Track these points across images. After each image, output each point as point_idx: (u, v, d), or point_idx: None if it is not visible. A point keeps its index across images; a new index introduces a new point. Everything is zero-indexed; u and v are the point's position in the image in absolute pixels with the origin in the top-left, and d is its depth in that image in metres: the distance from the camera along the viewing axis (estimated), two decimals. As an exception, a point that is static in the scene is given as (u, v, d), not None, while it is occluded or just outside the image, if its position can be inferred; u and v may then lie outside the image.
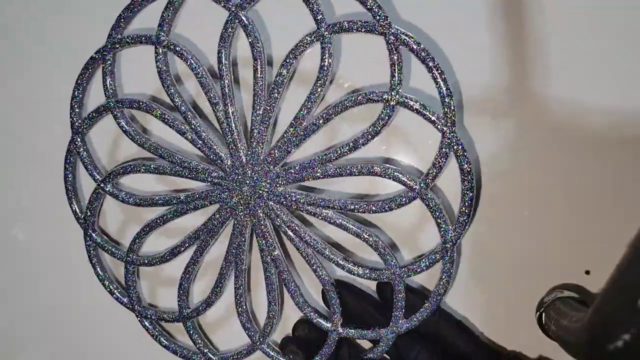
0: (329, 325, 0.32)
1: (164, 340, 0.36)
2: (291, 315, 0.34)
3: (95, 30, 0.34)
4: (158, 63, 0.32)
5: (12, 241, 0.40)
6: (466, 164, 0.28)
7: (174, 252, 0.34)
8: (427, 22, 0.29)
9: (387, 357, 0.33)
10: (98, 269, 0.36)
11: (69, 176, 0.35)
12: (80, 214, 0.36)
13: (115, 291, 0.36)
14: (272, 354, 0.34)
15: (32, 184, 0.39)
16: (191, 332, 0.35)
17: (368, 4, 0.28)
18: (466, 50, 0.29)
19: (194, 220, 0.34)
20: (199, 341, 0.35)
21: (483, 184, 0.30)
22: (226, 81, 0.31)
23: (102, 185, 0.35)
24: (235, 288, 0.34)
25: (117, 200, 0.35)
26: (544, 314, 0.27)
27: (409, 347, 0.32)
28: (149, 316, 0.36)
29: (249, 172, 0.32)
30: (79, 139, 0.35)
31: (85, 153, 0.35)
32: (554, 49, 0.27)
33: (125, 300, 0.36)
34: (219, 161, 0.32)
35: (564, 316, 0.24)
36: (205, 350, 0.35)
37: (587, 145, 0.27)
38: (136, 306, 0.36)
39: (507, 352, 0.31)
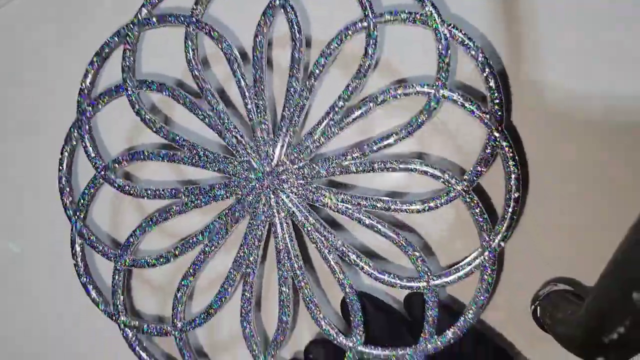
0: (348, 342, 0.29)
1: (147, 357, 0.31)
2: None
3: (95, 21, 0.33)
4: (188, 44, 0.30)
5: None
6: (513, 164, 0.27)
7: (175, 253, 0.31)
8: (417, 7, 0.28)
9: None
10: (82, 271, 0.32)
11: (65, 160, 0.32)
12: (70, 205, 0.32)
13: (99, 299, 0.32)
14: (277, 375, 0.30)
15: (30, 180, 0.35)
16: (183, 348, 0.31)
17: None
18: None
19: (190, 222, 0.31)
20: (190, 359, 0.31)
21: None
22: (259, 65, 0.29)
23: (102, 172, 0.31)
24: (242, 295, 0.30)
25: (116, 191, 0.31)
26: (538, 307, 0.26)
27: None
28: (135, 328, 0.31)
29: (274, 164, 0.29)
30: (83, 121, 0.32)
31: (88, 135, 0.31)
32: (548, 35, 0.27)
33: (109, 308, 0.32)
34: (242, 151, 0.30)
35: (559, 309, 0.24)
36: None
37: (582, 133, 0.27)
38: (121, 316, 0.31)
39: None
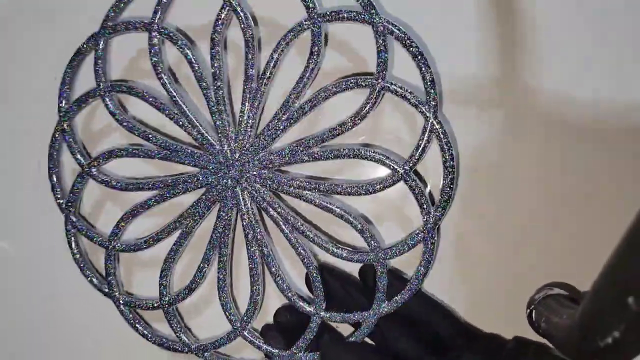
0: (311, 309, 0.33)
1: (141, 329, 0.36)
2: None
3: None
4: (151, 49, 0.33)
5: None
6: (447, 147, 0.30)
7: (158, 237, 0.34)
8: (414, 12, 0.30)
9: (371, 341, 0.33)
10: (77, 255, 0.36)
11: (53, 158, 0.35)
12: (62, 199, 0.36)
13: (94, 278, 0.36)
14: (252, 340, 0.34)
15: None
16: (171, 319, 0.35)
17: None
18: (453, 40, 0.29)
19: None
20: (178, 329, 0.35)
21: (468, 176, 0.30)
22: (217, 64, 0.32)
23: (87, 169, 0.35)
24: (218, 272, 0.34)
25: (97, 185, 0.35)
26: (534, 311, 0.27)
27: (392, 331, 0.32)
28: (129, 304, 0.35)
29: (237, 155, 0.32)
30: (65, 124, 0.35)
31: (71, 136, 0.35)
32: (543, 40, 0.27)
33: (104, 288, 0.36)
34: (207, 145, 0.33)
35: (555, 313, 0.25)
36: (185, 338, 0.35)
37: (577, 138, 0.27)
38: (115, 294, 0.36)
39: (484, 333, 0.32)
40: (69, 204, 0.35)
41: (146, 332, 0.36)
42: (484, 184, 0.30)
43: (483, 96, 0.29)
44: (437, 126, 0.30)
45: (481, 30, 0.28)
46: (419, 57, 0.29)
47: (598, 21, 0.26)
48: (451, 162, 0.30)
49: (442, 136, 0.30)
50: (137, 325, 0.36)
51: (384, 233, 0.33)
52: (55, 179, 0.36)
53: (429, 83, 0.29)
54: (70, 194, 0.35)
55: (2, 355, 0.40)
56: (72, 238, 0.36)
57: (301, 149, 0.32)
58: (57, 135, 0.35)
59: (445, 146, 0.30)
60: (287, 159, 0.32)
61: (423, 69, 0.29)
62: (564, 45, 0.27)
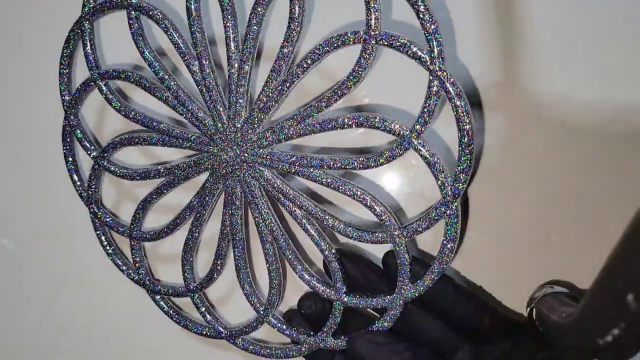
0: (332, 295, 0.30)
1: (174, 315, 0.35)
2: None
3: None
4: (131, 26, 0.30)
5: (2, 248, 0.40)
6: (460, 102, 0.24)
7: (172, 226, 0.33)
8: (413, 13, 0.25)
9: (395, 329, 0.30)
10: (107, 246, 0.36)
11: (69, 154, 0.35)
12: (83, 192, 0.35)
13: (124, 267, 0.36)
14: (278, 325, 0.32)
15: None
16: (199, 305, 0.34)
17: None
18: (453, 42, 0.27)
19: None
20: (208, 315, 0.34)
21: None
22: (198, 35, 0.29)
23: (98, 161, 0.34)
24: (235, 260, 0.32)
25: (110, 177, 0.34)
26: (534, 309, 0.26)
27: (419, 320, 0.29)
28: (160, 291, 0.35)
29: (232, 135, 0.29)
30: (72, 116, 0.34)
31: (79, 129, 0.34)
32: (543, 41, 0.26)
33: (134, 276, 0.36)
34: (201, 126, 0.30)
35: (555, 311, 0.24)
36: (215, 324, 0.34)
37: (577, 138, 0.26)
38: (146, 281, 0.35)
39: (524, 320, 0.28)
40: (90, 197, 0.35)
41: (188, 323, 0.35)
42: (484, 184, 0.28)
43: (483, 98, 0.28)
44: (445, 80, 0.24)
45: (481, 32, 0.27)
46: (421, 3, 0.24)
47: (598, 22, 0.26)
48: (466, 119, 0.25)
49: (451, 88, 0.24)
50: (175, 315, 0.35)
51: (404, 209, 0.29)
52: (75, 175, 0.35)
53: (431, 32, 0.24)
54: (89, 188, 0.35)
55: (2, 355, 0.41)
56: (101, 232, 0.36)
57: (296, 122, 0.28)
58: (67, 130, 0.34)
59: (457, 102, 0.24)
60: (282, 134, 0.28)
61: (424, 13, 0.24)
62: (564, 46, 0.26)
